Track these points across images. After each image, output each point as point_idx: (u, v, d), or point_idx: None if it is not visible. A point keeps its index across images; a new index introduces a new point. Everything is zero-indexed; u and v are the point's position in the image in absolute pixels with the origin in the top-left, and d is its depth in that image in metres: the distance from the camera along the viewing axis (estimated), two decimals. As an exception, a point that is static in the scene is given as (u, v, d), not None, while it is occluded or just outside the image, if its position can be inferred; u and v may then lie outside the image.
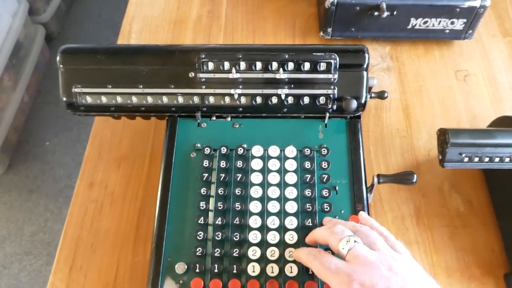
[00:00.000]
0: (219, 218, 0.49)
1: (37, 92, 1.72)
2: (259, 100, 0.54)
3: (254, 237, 0.48)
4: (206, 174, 0.51)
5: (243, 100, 0.54)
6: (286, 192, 0.50)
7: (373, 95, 0.57)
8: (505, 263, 0.55)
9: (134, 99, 0.54)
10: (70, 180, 1.52)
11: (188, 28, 0.79)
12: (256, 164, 0.52)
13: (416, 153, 0.64)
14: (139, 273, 0.55)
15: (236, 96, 0.53)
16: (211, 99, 0.54)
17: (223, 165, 0.52)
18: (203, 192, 0.50)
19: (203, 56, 0.52)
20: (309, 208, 0.49)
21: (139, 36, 0.78)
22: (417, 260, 0.41)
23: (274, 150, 0.53)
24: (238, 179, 0.51)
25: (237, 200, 0.50)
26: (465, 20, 0.70)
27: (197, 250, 0.48)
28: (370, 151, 0.64)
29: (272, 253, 0.47)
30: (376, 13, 0.68)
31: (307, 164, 0.52)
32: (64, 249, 0.57)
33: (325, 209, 0.49)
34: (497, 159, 0.51)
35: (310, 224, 0.48)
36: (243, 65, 0.52)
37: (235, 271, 0.47)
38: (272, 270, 0.47)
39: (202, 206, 0.50)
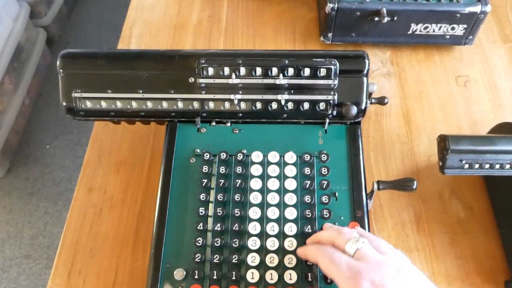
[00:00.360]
0: (218, 224, 0.49)
1: (37, 95, 1.72)
2: (259, 105, 0.54)
3: (253, 243, 0.48)
4: (206, 180, 0.51)
5: (243, 105, 0.54)
6: (285, 198, 0.50)
7: (373, 101, 0.56)
8: (505, 270, 0.55)
9: (134, 104, 0.54)
10: (70, 183, 1.52)
11: (189, 32, 0.79)
12: (256, 170, 0.52)
13: (417, 158, 0.64)
14: (138, 278, 0.55)
15: (236, 102, 0.53)
16: (211, 105, 0.54)
17: (222, 171, 0.52)
18: (203, 198, 0.50)
19: (203, 61, 0.52)
20: (308, 214, 0.49)
21: (139, 41, 0.78)
22: (417, 267, 0.41)
23: (273, 156, 0.53)
24: (237, 185, 0.51)
25: (237, 206, 0.50)
26: (465, 26, 0.70)
27: (196, 256, 0.48)
28: (370, 157, 0.64)
29: (272, 259, 0.47)
30: (376, 19, 0.68)
31: (307, 170, 0.51)
32: (63, 253, 0.57)
33: (325, 216, 0.49)
34: (497, 166, 0.51)
35: (310, 231, 0.48)
36: (243, 70, 0.52)
37: (234, 278, 0.46)
38: (272, 276, 0.47)
39: (202, 212, 0.50)
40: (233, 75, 0.52)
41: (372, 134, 0.66)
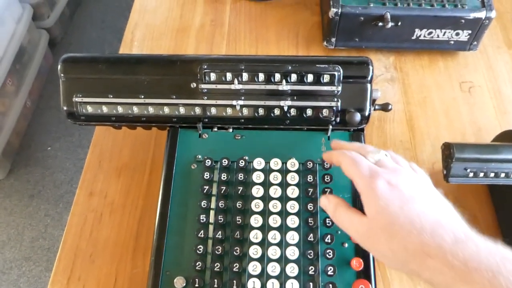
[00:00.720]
0: (219, 232, 0.48)
1: (39, 97, 1.72)
2: (261, 111, 0.53)
3: (254, 251, 0.47)
4: (207, 187, 0.51)
5: (245, 111, 0.53)
6: (287, 206, 0.50)
7: (377, 107, 0.56)
8: (510, 280, 0.54)
9: (135, 109, 0.54)
10: (71, 185, 1.52)
11: (191, 36, 0.78)
12: (258, 177, 0.51)
13: (420, 165, 0.62)
14: (137, 285, 0.54)
15: (238, 108, 0.53)
16: (213, 110, 0.53)
17: (224, 177, 0.51)
18: (204, 205, 0.50)
19: (205, 66, 0.52)
20: (311, 222, 0.48)
21: (141, 44, 0.78)
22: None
23: (276, 163, 0.52)
24: (239, 192, 0.50)
25: (238, 213, 0.49)
26: (470, 32, 0.69)
27: (197, 264, 0.47)
28: (373, 163, 0.63)
29: (273, 268, 0.47)
30: (380, 24, 0.67)
31: (310, 178, 0.51)
32: (63, 259, 0.57)
33: (327, 224, 0.49)
34: (502, 175, 0.50)
35: (312, 239, 0.48)
36: (245, 76, 0.52)
37: (235, 287, 0.46)
38: (273, 286, 0.46)
39: (202, 219, 0.49)
40: (236, 81, 0.52)
41: (375, 140, 0.66)
